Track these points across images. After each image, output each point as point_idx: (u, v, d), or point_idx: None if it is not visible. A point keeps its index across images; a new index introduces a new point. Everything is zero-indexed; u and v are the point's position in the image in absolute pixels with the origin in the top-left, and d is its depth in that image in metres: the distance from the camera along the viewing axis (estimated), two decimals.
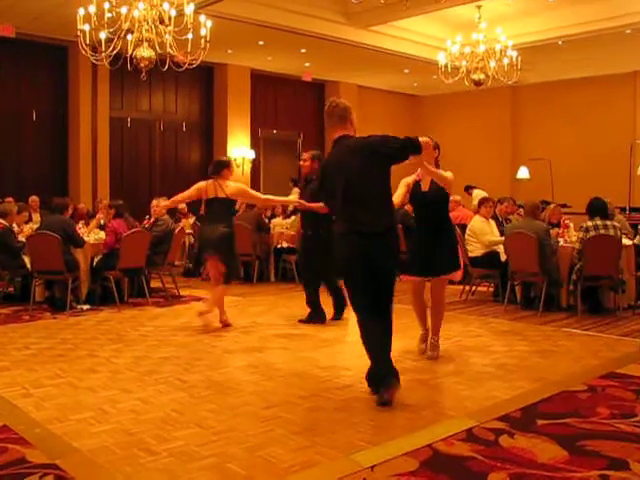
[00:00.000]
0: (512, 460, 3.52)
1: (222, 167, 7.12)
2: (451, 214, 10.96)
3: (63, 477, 3.32)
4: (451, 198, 11.14)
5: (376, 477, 3.32)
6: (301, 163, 7.69)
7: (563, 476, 3.32)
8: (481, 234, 8.70)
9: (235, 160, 16.43)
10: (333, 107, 4.83)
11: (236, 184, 7.40)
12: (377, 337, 4.59)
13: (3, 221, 8.51)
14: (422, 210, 5.73)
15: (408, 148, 4.62)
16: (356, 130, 4.91)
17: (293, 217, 11.03)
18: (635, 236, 8.90)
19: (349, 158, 4.62)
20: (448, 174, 5.57)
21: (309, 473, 3.39)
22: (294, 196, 8.04)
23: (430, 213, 5.65)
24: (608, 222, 7.80)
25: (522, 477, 3.32)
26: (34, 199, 11.93)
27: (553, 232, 8.42)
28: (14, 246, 8.24)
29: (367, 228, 4.53)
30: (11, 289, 8.89)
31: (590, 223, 7.76)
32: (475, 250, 8.74)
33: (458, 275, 5.82)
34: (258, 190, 16.12)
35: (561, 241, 8.35)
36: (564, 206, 13.27)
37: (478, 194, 13.94)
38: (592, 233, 7.66)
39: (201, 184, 7.07)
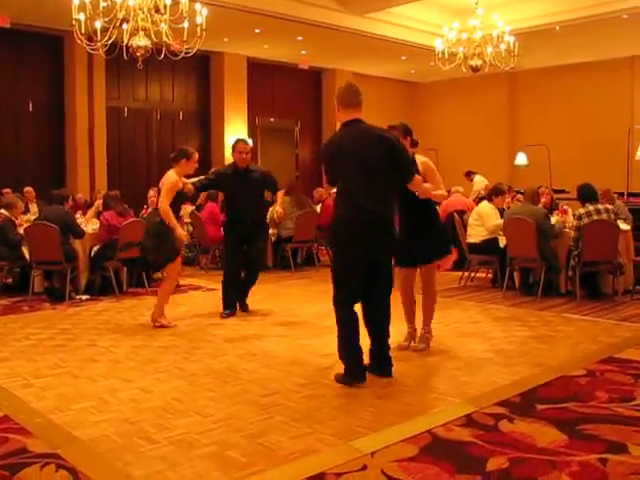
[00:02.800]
0: (512, 445, 3.54)
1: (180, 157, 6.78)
2: (445, 201, 11.04)
3: (64, 466, 3.33)
4: (453, 189, 11.25)
5: (376, 463, 3.33)
6: (244, 156, 7.19)
7: (563, 460, 3.34)
8: (488, 219, 8.65)
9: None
10: (354, 89, 4.86)
11: (166, 178, 6.69)
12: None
13: (6, 212, 8.50)
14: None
15: (409, 176, 4.84)
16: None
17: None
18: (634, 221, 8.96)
19: (366, 143, 4.65)
20: (424, 159, 5.45)
21: (309, 460, 3.40)
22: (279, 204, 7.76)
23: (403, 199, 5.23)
24: (600, 206, 7.82)
25: (522, 462, 3.33)
26: (29, 190, 11.90)
27: (557, 220, 8.44)
28: (13, 238, 8.23)
29: (371, 215, 4.58)
30: (10, 280, 8.89)
31: (582, 210, 7.78)
32: (475, 236, 8.73)
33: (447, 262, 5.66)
34: None
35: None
36: (562, 192, 13.30)
37: (479, 181, 13.96)
38: (585, 220, 7.67)
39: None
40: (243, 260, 7.27)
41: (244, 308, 7.32)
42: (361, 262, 4.65)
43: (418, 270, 5.59)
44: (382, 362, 4.84)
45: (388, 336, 4.88)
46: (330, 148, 4.84)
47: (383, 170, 4.64)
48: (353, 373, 4.66)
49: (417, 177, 4.94)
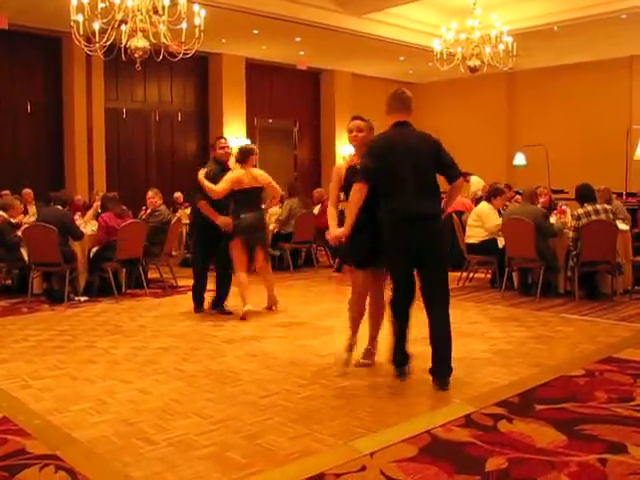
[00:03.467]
0: (511, 445, 3.54)
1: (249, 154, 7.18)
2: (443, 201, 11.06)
3: (63, 467, 3.33)
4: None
5: (375, 464, 3.33)
6: (227, 150, 7.45)
7: (561, 460, 3.34)
8: (487, 219, 8.64)
9: (232, 150, 16.43)
10: (401, 93, 4.90)
11: (263, 176, 7.24)
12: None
13: (4, 214, 8.49)
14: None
15: (457, 175, 4.85)
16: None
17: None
18: (633, 222, 8.98)
19: (418, 145, 4.75)
20: None
21: (308, 461, 3.40)
22: None
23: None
24: (599, 206, 7.82)
25: (521, 462, 3.33)
26: (27, 192, 11.89)
27: (555, 220, 8.44)
28: (12, 240, 8.22)
29: (418, 214, 4.63)
30: (9, 281, 8.89)
31: (581, 210, 7.78)
32: (474, 237, 8.73)
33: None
34: None
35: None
36: (560, 192, 13.31)
37: (476, 181, 13.97)
38: (584, 220, 7.68)
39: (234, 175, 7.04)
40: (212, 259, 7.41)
41: (221, 311, 7.35)
42: (408, 261, 4.74)
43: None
44: (437, 372, 4.69)
45: (447, 347, 4.70)
46: (380, 144, 4.83)
47: (431, 170, 4.75)
48: (394, 359, 4.86)
49: (461, 179, 4.93)
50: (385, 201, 4.72)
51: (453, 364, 4.64)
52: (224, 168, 7.31)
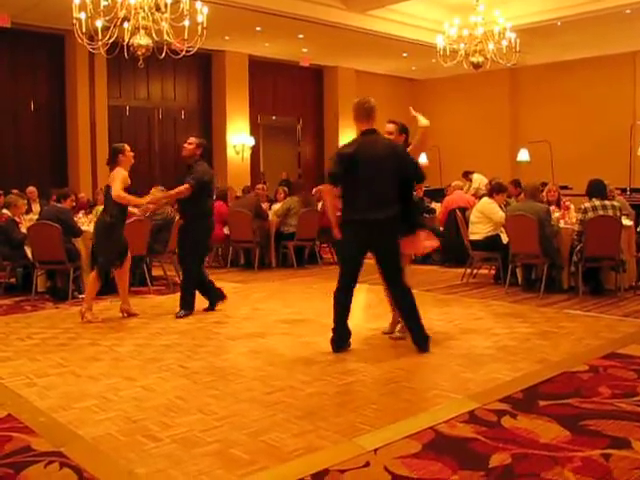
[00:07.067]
0: (514, 441, 3.54)
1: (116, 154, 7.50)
2: (446, 198, 11.06)
3: (68, 464, 3.34)
4: (453, 184, 11.27)
5: (379, 460, 3.34)
6: (185, 145, 7.74)
7: (565, 456, 3.34)
8: (492, 213, 8.63)
9: (235, 147, 16.45)
10: (363, 103, 5.36)
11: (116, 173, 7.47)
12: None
13: (7, 212, 8.51)
14: None
15: (419, 176, 5.50)
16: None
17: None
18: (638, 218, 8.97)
19: (380, 153, 5.20)
20: None
21: (312, 457, 3.41)
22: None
23: None
24: (607, 202, 7.78)
25: (524, 457, 3.33)
26: (31, 190, 11.91)
27: (559, 215, 8.42)
28: (17, 238, 8.23)
29: (372, 216, 5.19)
30: (13, 280, 8.90)
31: (588, 204, 7.75)
32: (477, 233, 8.72)
33: None
34: (258, 178, 16.19)
35: (562, 222, 8.34)
36: (565, 188, 13.29)
37: (478, 179, 13.97)
38: (590, 214, 7.65)
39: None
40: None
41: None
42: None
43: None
44: None
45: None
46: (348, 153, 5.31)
47: (392, 178, 5.24)
48: None
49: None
50: (346, 206, 5.31)
51: (457, 360, 4.64)
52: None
